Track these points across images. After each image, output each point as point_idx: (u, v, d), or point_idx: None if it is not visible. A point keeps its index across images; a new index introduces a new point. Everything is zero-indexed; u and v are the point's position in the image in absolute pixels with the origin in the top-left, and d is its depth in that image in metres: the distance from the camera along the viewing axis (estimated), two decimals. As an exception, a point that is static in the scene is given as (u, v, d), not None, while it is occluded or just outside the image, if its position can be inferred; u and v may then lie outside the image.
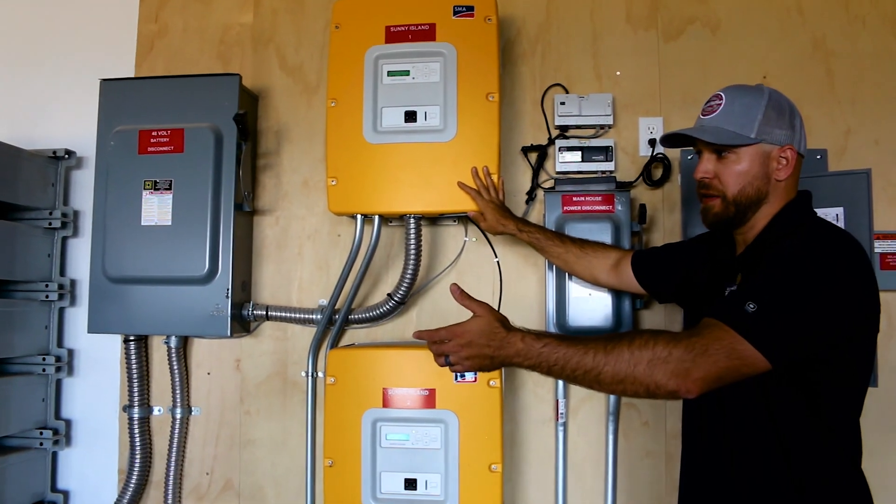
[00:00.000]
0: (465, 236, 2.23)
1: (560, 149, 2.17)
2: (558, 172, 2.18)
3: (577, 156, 2.16)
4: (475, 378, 1.90)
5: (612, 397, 2.08)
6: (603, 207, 2.04)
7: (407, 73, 2.02)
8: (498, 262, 2.21)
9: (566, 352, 1.23)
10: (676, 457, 2.08)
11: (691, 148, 1.49)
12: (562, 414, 2.11)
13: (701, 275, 1.58)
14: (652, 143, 2.17)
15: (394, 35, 2.03)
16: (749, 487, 1.34)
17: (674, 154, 2.15)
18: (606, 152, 2.15)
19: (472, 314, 1.32)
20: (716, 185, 1.40)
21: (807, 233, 1.33)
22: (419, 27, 2.03)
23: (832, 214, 1.93)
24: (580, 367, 1.22)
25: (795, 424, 1.30)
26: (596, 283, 1.89)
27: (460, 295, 1.34)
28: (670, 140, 1.49)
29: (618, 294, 2.00)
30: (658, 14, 2.25)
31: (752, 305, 1.20)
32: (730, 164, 1.38)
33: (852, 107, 2.17)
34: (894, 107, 2.17)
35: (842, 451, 1.31)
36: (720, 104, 1.39)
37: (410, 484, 1.91)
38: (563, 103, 2.17)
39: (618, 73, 2.24)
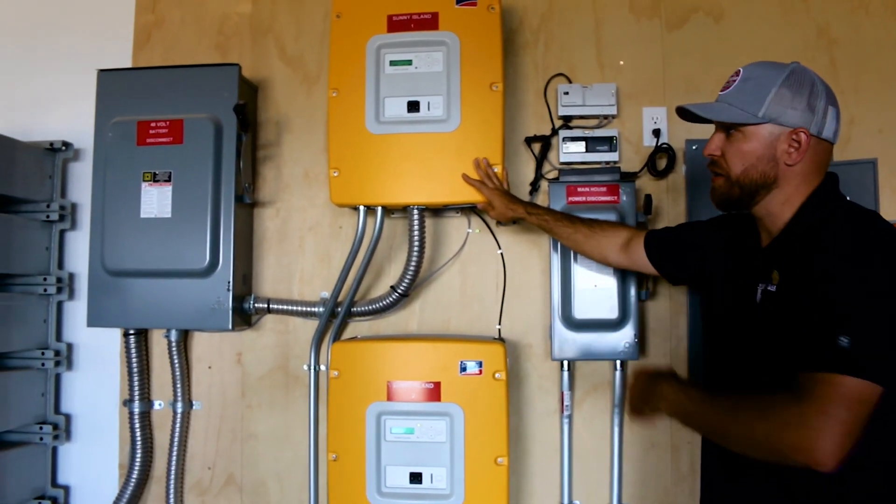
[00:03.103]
0: (469, 228, 2.21)
1: (564, 139, 2.15)
2: (562, 163, 2.16)
3: (581, 146, 2.14)
4: (480, 371, 1.89)
5: (617, 389, 2.07)
6: (608, 198, 2.02)
7: (409, 62, 2.00)
8: (502, 253, 2.19)
9: (701, 402, 1.31)
10: (682, 448, 2.10)
11: (712, 124, 1.42)
12: (567, 406, 2.10)
13: (718, 261, 1.52)
14: (656, 133, 2.15)
15: (396, 24, 2.01)
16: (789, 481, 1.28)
17: (678, 144, 2.14)
18: (610, 143, 2.13)
19: None
20: (721, 163, 1.36)
21: (842, 226, 1.25)
22: (421, 16, 2.00)
23: (838, 204, 1.92)
24: (708, 420, 1.30)
25: None
26: (606, 262, 1.85)
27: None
28: (682, 115, 1.43)
29: (623, 285, 1.99)
30: (661, 3, 2.23)
31: (844, 340, 1.12)
32: (735, 143, 1.34)
33: (856, 96, 2.16)
34: (898, 95, 2.16)
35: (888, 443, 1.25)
36: (735, 80, 1.35)
37: (416, 477, 1.89)
38: (566, 93, 2.15)
39: (621, 62, 2.22)
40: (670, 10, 2.22)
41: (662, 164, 2.15)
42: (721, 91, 1.38)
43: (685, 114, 1.42)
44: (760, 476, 1.33)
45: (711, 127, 1.43)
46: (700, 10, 2.21)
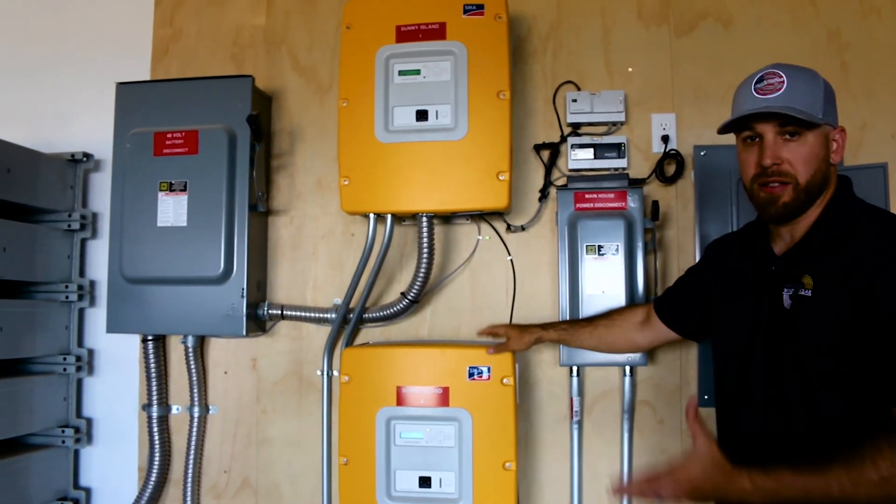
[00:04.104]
0: (479, 235, 2.23)
1: (572, 146, 2.17)
2: (571, 170, 2.18)
3: (590, 153, 2.16)
4: (489, 376, 1.91)
5: (626, 394, 2.08)
6: (616, 204, 2.04)
7: (418, 72, 2.03)
8: (511, 260, 2.21)
9: (805, 485, 1.15)
10: (691, 454, 2.09)
11: (735, 132, 1.39)
12: (576, 412, 2.11)
13: (722, 285, 1.50)
14: (665, 139, 2.15)
15: (404, 34, 2.04)
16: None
17: (687, 150, 2.14)
18: (619, 149, 2.15)
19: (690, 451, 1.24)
20: (787, 170, 1.29)
21: (879, 229, 1.25)
22: (429, 26, 2.03)
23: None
24: (826, 500, 1.14)
25: None
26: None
27: (693, 418, 1.25)
28: (734, 125, 1.37)
29: (631, 291, 2.00)
30: (670, 9, 2.23)
31: None
32: (800, 147, 1.28)
33: (867, 100, 2.15)
34: (911, 100, 2.14)
35: None
36: (783, 82, 1.30)
37: (425, 482, 1.91)
38: (574, 100, 2.17)
39: (630, 69, 2.23)
40: (679, 17, 2.23)
41: (671, 170, 2.16)
42: (762, 94, 1.32)
43: (735, 125, 1.37)
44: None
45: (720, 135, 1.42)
46: (709, 17, 2.22)
